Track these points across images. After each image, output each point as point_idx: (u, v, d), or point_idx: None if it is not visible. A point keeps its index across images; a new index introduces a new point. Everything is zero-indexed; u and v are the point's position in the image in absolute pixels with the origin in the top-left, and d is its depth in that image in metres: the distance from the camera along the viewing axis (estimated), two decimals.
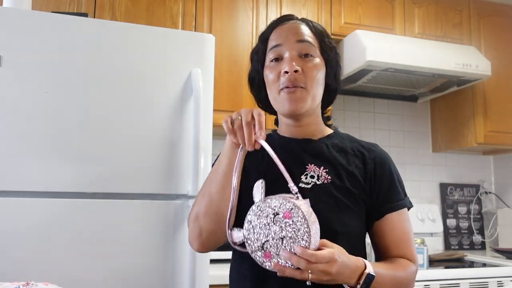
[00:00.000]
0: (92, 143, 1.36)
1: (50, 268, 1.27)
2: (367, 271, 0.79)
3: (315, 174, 0.92)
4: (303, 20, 0.98)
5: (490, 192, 2.90)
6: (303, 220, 0.73)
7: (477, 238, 2.80)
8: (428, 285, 1.90)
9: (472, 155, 2.92)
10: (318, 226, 0.75)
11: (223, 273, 1.68)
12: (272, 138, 1.02)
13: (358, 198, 0.92)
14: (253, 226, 0.76)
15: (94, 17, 1.94)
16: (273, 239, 0.74)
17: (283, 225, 0.73)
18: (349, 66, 2.27)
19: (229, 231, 0.82)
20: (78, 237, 1.31)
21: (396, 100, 2.80)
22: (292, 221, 0.73)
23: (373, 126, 2.75)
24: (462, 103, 2.62)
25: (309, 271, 0.71)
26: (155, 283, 1.36)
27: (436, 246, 2.64)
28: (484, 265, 2.18)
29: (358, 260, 0.79)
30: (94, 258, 1.31)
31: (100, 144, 1.37)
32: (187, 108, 1.45)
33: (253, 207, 0.77)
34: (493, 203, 2.90)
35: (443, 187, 2.82)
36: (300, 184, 0.91)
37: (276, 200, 0.75)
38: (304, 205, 0.75)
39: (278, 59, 0.93)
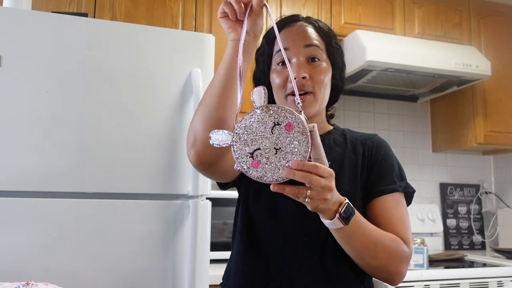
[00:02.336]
0: (92, 143, 1.36)
1: (50, 268, 1.27)
2: (347, 201, 0.76)
3: None
4: (310, 22, 0.97)
5: (490, 192, 2.90)
6: (305, 137, 0.69)
7: (477, 238, 2.80)
8: (428, 285, 1.90)
9: (472, 155, 2.92)
10: (321, 152, 0.72)
11: (223, 273, 1.68)
12: None
13: (359, 189, 0.93)
14: (246, 130, 0.70)
15: (94, 17, 1.94)
16: (266, 148, 0.69)
17: (281, 136, 0.69)
18: (349, 66, 2.27)
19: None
20: (78, 237, 1.31)
21: (396, 100, 2.80)
22: (293, 134, 0.69)
23: (373, 126, 2.75)
24: (462, 103, 2.63)
25: (309, 186, 0.68)
26: (155, 283, 1.36)
27: (436, 246, 2.64)
28: (484, 265, 2.18)
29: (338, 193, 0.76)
30: (94, 258, 1.31)
31: (100, 144, 1.37)
32: (187, 108, 1.45)
33: (252, 111, 0.71)
34: (493, 203, 2.90)
35: (443, 187, 2.82)
36: None
37: (279, 109, 0.70)
38: (307, 122, 0.71)
39: (284, 62, 0.93)
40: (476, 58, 2.37)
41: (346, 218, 0.75)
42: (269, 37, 0.98)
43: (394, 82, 2.46)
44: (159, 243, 1.38)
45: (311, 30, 0.95)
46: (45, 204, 1.30)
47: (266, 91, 0.71)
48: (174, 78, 1.46)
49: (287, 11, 2.22)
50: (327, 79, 0.94)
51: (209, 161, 0.85)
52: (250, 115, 0.71)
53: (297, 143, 0.69)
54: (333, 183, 0.71)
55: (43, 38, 1.36)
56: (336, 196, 0.73)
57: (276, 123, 0.70)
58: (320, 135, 0.97)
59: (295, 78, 0.89)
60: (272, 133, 0.70)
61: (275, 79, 0.94)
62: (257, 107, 0.71)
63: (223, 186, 1.01)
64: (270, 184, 0.70)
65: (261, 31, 0.86)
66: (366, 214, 0.93)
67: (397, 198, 0.93)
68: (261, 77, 1.00)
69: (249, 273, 0.92)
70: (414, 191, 0.97)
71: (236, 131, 0.70)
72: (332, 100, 1.03)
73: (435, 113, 2.85)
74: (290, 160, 0.68)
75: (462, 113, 2.62)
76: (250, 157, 0.69)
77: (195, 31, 2.09)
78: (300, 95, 0.90)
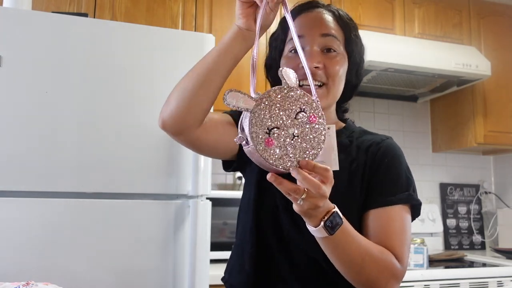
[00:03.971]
0: (92, 143, 1.36)
1: (50, 268, 1.27)
2: (335, 209, 0.70)
3: None
4: (329, 10, 0.92)
5: (490, 192, 2.90)
6: (323, 135, 0.66)
7: (477, 238, 2.80)
8: (428, 285, 1.90)
9: (472, 155, 2.92)
10: (332, 155, 0.68)
11: (223, 273, 1.68)
12: None
13: (356, 202, 0.86)
14: (271, 104, 0.64)
15: (94, 17, 1.94)
16: (285, 130, 0.64)
17: (303, 125, 0.65)
18: None
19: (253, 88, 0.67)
20: (78, 237, 1.31)
21: (396, 100, 2.80)
22: (314, 127, 0.66)
23: (373, 126, 2.75)
24: (462, 103, 2.62)
25: (305, 190, 0.63)
26: (155, 283, 1.36)
27: (436, 246, 2.64)
28: (484, 265, 2.18)
29: (329, 201, 0.70)
30: (94, 258, 1.31)
31: (100, 144, 1.37)
32: None
33: (280, 87, 0.65)
34: (493, 203, 2.90)
35: (443, 187, 2.82)
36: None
37: (309, 98, 0.66)
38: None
39: (297, 50, 0.90)
40: (476, 58, 2.37)
41: (331, 227, 0.69)
42: (284, 23, 0.92)
43: (394, 82, 2.46)
44: (159, 243, 1.38)
45: (329, 19, 0.89)
46: (45, 204, 1.30)
47: (295, 73, 0.69)
48: (174, 78, 1.45)
49: None
50: (342, 71, 0.88)
51: (173, 131, 0.83)
52: (279, 91, 0.65)
53: (315, 139, 0.66)
54: (329, 192, 0.66)
55: (43, 38, 1.36)
56: (326, 204, 0.68)
57: (302, 110, 0.66)
58: None
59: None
60: (296, 118, 0.65)
61: (285, 66, 0.89)
62: (289, 87, 0.66)
63: (226, 167, 0.97)
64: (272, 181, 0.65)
65: (269, 26, 0.81)
66: (361, 227, 0.86)
67: (397, 211, 0.85)
68: (272, 64, 0.95)
69: (252, 273, 0.90)
70: (419, 203, 0.88)
71: (261, 100, 0.63)
72: (346, 96, 0.96)
73: (435, 113, 2.85)
74: (304, 151, 0.64)
75: (462, 113, 2.62)
76: (266, 133, 0.63)
77: (195, 31, 2.09)
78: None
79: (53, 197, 1.32)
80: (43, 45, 1.36)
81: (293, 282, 0.86)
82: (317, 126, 0.66)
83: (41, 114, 1.33)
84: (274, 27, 0.99)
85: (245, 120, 0.64)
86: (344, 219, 0.72)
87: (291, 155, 0.64)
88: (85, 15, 1.51)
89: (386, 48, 2.22)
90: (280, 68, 0.68)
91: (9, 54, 1.33)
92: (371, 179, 0.87)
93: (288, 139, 0.64)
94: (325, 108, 0.90)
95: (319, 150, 0.66)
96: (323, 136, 0.67)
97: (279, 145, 0.63)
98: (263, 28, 0.79)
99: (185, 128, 0.82)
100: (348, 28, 0.91)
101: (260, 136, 0.62)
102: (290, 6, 0.97)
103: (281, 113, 0.64)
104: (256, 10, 0.77)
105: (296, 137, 0.64)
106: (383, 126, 2.77)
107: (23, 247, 1.27)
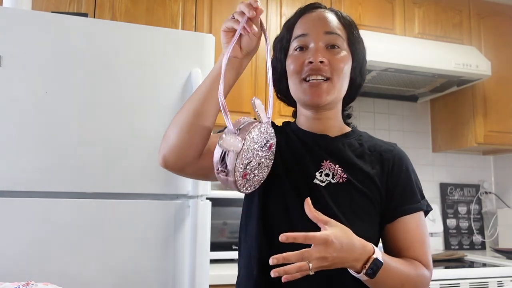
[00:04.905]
0: (92, 143, 1.36)
1: (50, 268, 1.27)
2: (374, 256, 0.74)
3: (330, 172, 0.88)
4: (332, 10, 0.95)
5: (490, 192, 2.90)
6: (273, 156, 0.81)
7: (477, 238, 2.80)
8: (428, 285, 1.89)
9: (472, 155, 2.92)
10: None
11: (223, 273, 1.68)
12: (290, 127, 0.99)
13: (374, 201, 0.88)
14: (253, 143, 0.72)
15: (94, 17, 1.94)
16: (255, 162, 0.74)
17: (265, 153, 0.77)
18: None
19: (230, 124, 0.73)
20: (78, 237, 1.31)
21: (396, 100, 2.80)
22: (269, 153, 0.79)
23: (373, 126, 2.75)
24: (462, 103, 2.62)
25: (308, 262, 0.67)
26: (155, 283, 1.36)
27: (436, 246, 2.64)
28: (484, 265, 2.18)
29: (366, 245, 0.75)
30: (94, 258, 1.31)
31: (100, 144, 1.37)
32: None
33: (254, 123, 0.72)
34: (493, 203, 2.90)
35: (443, 187, 2.82)
36: (315, 181, 0.88)
37: (270, 129, 0.78)
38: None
39: (302, 48, 0.90)
40: (476, 58, 2.37)
41: (372, 273, 0.74)
42: (288, 24, 0.95)
43: (394, 82, 2.46)
44: (159, 243, 1.38)
45: (332, 18, 0.92)
46: (45, 204, 1.30)
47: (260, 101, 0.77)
48: (174, 78, 1.46)
49: (287, 11, 2.22)
50: (346, 68, 0.90)
51: (176, 166, 0.87)
52: (257, 129, 0.72)
53: (268, 161, 0.79)
54: (327, 252, 0.69)
55: (43, 38, 1.36)
56: (356, 249, 0.72)
57: (267, 142, 0.76)
58: (336, 137, 0.95)
59: (311, 62, 0.86)
60: (262, 150, 0.75)
61: (290, 65, 0.91)
62: (262, 122, 0.74)
63: None
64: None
65: (255, 51, 0.84)
66: (384, 233, 0.90)
67: (419, 217, 0.90)
68: (277, 65, 0.96)
69: (260, 278, 0.88)
70: (430, 210, 0.94)
71: (246, 140, 0.70)
72: (350, 97, 0.98)
73: (435, 113, 2.85)
74: (264, 174, 0.79)
75: (462, 113, 2.62)
76: (244, 168, 0.72)
77: (195, 31, 2.09)
78: (317, 80, 0.87)
79: (53, 197, 1.32)
80: (43, 45, 1.36)
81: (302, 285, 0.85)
82: (271, 151, 0.79)
83: (41, 114, 1.33)
84: (274, 32, 1.00)
85: (228, 157, 0.71)
86: (383, 259, 0.76)
87: (254, 180, 0.76)
88: (85, 15, 1.51)
89: (386, 48, 2.22)
90: (252, 99, 0.76)
91: (9, 54, 1.33)
92: (394, 187, 0.90)
93: (255, 168, 0.75)
94: (331, 106, 0.92)
95: (267, 171, 0.80)
96: (273, 157, 0.81)
97: (251, 173, 0.74)
98: (250, 54, 0.85)
99: (187, 161, 0.85)
100: (351, 27, 0.94)
101: (241, 171, 0.71)
102: (290, 10, 0.99)
103: (257, 148, 0.74)
104: (239, 38, 0.81)
105: (259, 164, 0.76)
106: (383, 126, 2.77)
107: (23, 247, 1.27)
